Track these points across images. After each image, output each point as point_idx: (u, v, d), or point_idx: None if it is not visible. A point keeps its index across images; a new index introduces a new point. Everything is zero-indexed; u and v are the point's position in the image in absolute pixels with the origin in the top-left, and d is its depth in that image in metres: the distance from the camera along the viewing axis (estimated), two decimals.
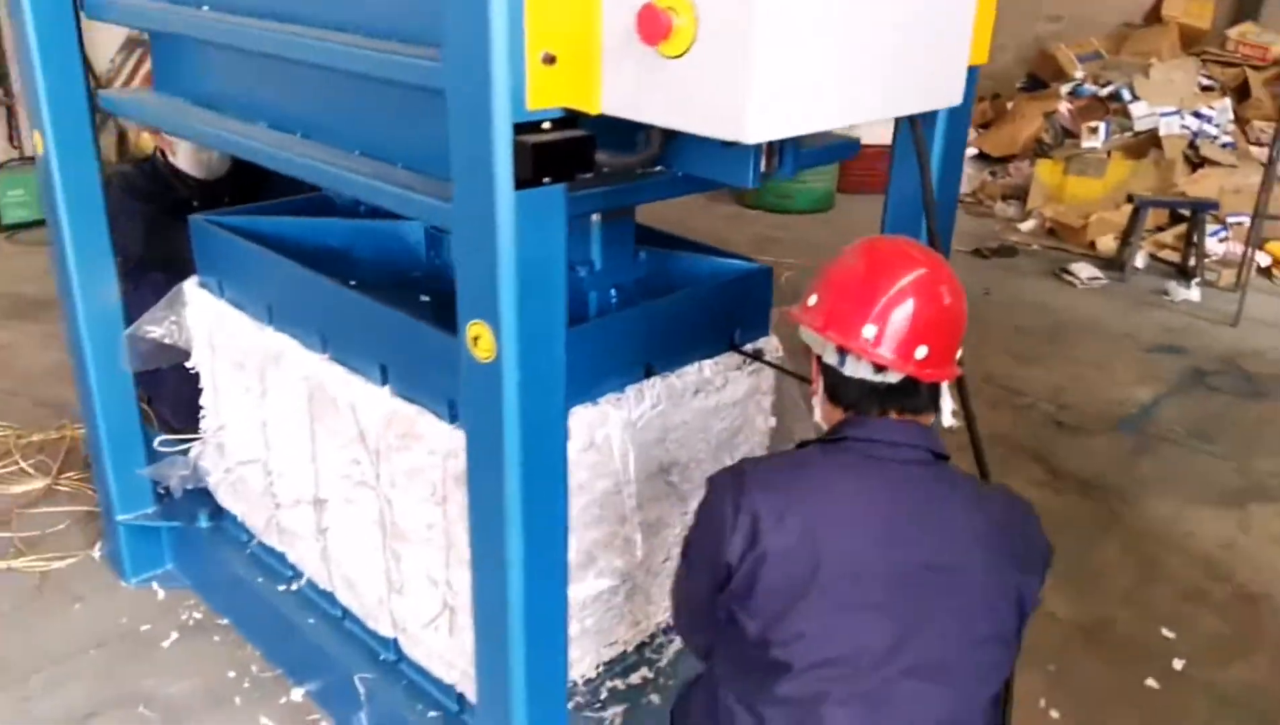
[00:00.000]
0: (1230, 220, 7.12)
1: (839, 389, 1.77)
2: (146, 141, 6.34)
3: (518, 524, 1.77)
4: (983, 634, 1.69)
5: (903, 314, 1.68)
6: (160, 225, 3.35)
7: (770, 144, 1.78)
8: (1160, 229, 7.30)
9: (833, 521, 1.67)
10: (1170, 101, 7.97)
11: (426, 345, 2.20)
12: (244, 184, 3.53)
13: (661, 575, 2.59)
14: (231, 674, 2.94)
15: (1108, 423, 4.69)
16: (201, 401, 3.05)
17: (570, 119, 1.58)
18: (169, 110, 2.71)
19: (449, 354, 2.11)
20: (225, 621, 3.15)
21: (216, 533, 3.20)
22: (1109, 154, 7.88)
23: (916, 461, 1.73)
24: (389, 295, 2.41)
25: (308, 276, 2.50)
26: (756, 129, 1.39)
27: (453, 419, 2.21)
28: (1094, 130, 8.00)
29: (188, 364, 3.02)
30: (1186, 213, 6.97)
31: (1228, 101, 8.01)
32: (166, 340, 2.97)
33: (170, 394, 3.40)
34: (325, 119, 2.24)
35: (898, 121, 2.15)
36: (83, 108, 2.83)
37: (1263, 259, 6.59)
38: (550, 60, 1.49)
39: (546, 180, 1.54)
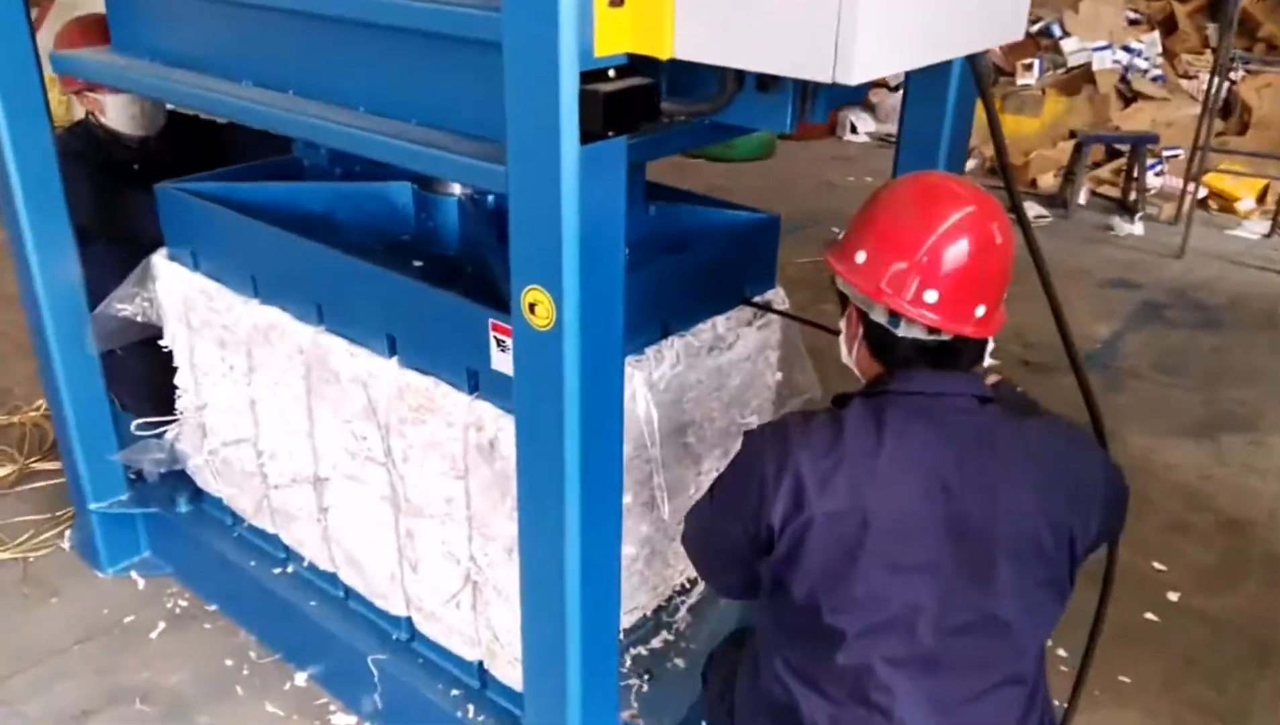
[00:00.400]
0: (1166, 153, 7.23)
1: (887, 348, 1.69)
2: None
3: (576, 495, 1.69)
4: (1036, 580, 1.65)
5: (963, 273, 1.59)
6: (104, 191, 3.14)
7: (806, 88, 1.71)
8: (1097, 165, 7.39)
9: (880, 480, 1.60)
10: (1100, 36, 8.05)
11: (443, 313, 2.10)
12: (182, 141, 3.31)
13: (678, 539, 2.53)
14: (229, 662, 2.83)
15: None
16: (176, 382, 2.89)
17: (631, 66, 1.48)
18: (142, 72, 2.50)
19: (469, 322, 2.02)
20: (214, 608, 3.02)
21: (198, 517, 3.07)
22: (1044, 91, 7.94)
23: (964, 409, 1.67)
24: (379, 261, 2.29)
25: (303, 245, 2.36)
26: (857, 70, 1.31)
27: (473, 390, 2.11)
28: (1028, 67, 8.06)
29: (161, 342, 2.85)
30: (1123, 148, 7.06)
31: (1156, 35, 8.12)
32: (138, 318, 2.81)
33: (130, 377, 3.21)
34: (324, 74, 2.10)
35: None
36: (32, 71, 2.63)
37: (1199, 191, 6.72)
38: (618, 2, 1.39)
39: (611, 133, 1.44)
